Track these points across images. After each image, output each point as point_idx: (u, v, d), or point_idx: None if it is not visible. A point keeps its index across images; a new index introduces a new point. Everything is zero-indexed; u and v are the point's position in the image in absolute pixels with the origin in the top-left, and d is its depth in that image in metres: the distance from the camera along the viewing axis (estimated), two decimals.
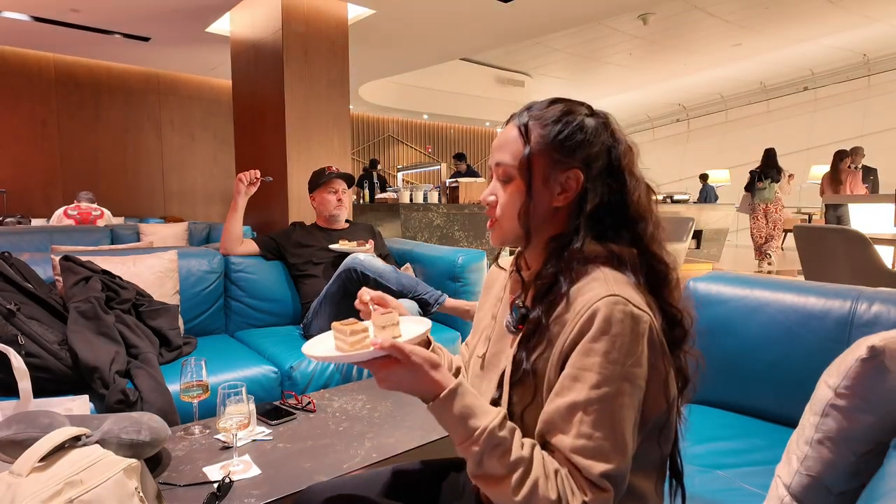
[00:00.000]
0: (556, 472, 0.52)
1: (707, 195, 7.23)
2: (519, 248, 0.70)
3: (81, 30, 4.55)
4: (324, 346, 0.64)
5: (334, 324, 0.62)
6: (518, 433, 0.55)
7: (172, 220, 4.79)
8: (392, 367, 0.54)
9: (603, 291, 0.55)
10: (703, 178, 7.65)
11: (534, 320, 0.59)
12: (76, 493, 0.70)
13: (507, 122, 0.65)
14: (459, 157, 6.33)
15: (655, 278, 0.60)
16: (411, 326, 0.66)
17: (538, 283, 0.61)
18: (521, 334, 0.61)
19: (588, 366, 0.52)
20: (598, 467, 0.51)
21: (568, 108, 0.62)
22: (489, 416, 0.54)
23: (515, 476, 0.51)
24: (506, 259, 0.76)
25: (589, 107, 0.64)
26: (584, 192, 0.60)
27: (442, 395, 0.53)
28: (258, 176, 1.88)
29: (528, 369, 0.58)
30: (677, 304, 0.60)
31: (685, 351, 0.60)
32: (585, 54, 6.93)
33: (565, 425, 0.53)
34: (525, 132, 0.61)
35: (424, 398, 0.55)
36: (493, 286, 0.75)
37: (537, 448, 0.54)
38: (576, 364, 0.53)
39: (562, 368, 0.56)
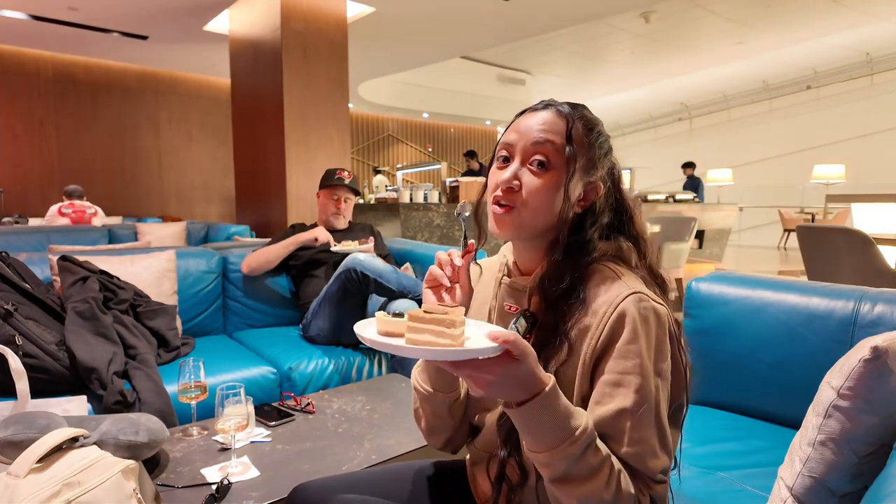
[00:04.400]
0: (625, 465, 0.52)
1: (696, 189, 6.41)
2: (505, 252, 0.68)
3: (79, 28, 4.55)
4: (382, 336, 0.51)
5: (411, 312, 0.48)
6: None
7: (170, 220, 4.79)
8: (510, 365, 0.46)
9: (622, 289, 0.55)
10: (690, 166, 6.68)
11: (548, 327, 0.57)
12: (74, 494, 0.70)
13: (539, 109, 0.60)
14: (471, 154, 6.18)
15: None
16: (473, 329, 0.53)
17: (548, 290, 0.58)
18: (532, 342, 0.58)
19: (629, 369, 0.52)
20: (655, 467, 0.52)
21: (595, 116, 0.62)
22: (582, 413, 0.51)
23: (605, 471, 0.50)
24: (486, 260, 0.72)
25: None
26: (596, 204, 0.61)
27: (546, 390, 0.48)
28: (331, 241, 1.94)
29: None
30: (675, 317, 0.62)
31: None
32: (587, 52, 6.91)
33: (616, 433, 0.52)
34: (571, 124, 0.58)
35: (519, 399, 0.48)
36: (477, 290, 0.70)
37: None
38: (615, 369, 0.53)
39: (592, 373, 0.55)
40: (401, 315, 0.52)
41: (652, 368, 0.53)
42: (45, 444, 0.73)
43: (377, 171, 7.48)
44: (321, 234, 1.93)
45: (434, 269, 0.61)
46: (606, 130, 0.63)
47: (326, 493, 0.69)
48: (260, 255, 1.92)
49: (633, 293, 0.54)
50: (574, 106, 0.61)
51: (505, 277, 0.66)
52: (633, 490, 0.51)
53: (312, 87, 3.25)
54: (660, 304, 0.55)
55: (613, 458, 0.51)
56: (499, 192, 0.58)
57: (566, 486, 0.50)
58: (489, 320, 0.66)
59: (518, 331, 0.60)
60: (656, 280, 0.61)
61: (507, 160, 0.60)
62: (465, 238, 0.60)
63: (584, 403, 0.55)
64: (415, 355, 0.47)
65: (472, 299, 0.68)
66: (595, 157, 0.60)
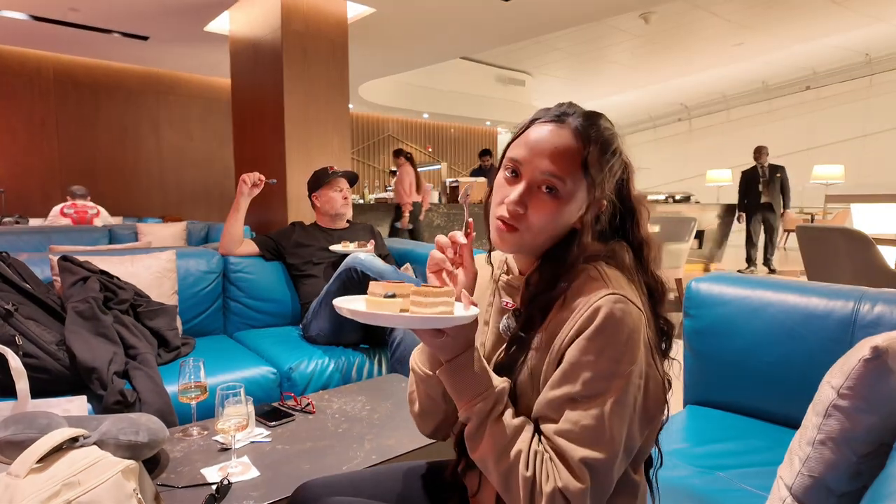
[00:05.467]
0: (537, 453, 0.53)
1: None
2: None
3: (80, 29, 4.55)
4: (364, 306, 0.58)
5: (416, 291, 0.54)
6: (511, 407, 0.57)
7: (171, 220, 4.78)
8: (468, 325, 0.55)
9: (603, 290, 0.55)
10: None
11: (528, 321, 0.59)
12: (74, 494, 0.70)
13: (554, 120, 0.58)
14: (486, 153, 6.04)
15: (653, 296, 0.60)
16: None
17: (535, 286, 0.60)
18: (513, 335, 0.61)
19: (583, 362, 0.52)
20: (579, 452, 0.51)
21: (613, 128, 0.60)
22: (500, 381, 0.57)
23: (502, 444, 0.54)
24: (484, 256, 0.72)
25: None
26: (599, 216, 0.60)
27: (465, 353, 0.56)
28: (262, 178, 1.91)
29: (526, 371, 0.58)
30: (668, 318, 0.62)
31: (670, 359, 0.62)
32: (587, 53, 6.92)
33: (555, 414, 0.54)
34: (587, 151, 0.56)
35: (453, 353, 0.56)
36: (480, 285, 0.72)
37: (529, 425, 0.56)
38: (571, 360, 0.53)
39: (559, 364, 0.56)
40: (392, 296, 0.56)
41: (613, 368, 0.52)
42: (45, 444, 0.73)
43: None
44: (246, 177, 1.87)
45: (435, 252, 0.59)
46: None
47: (328, 492, 0.70)
48: (224, 233, 1.93)
49: (613, 293, 0.54)
50: (591, 122, 0.58)
51: (503, 275, 0.67)
52: (528, 473, 0.51)
53: (313, 88, 3.25)
54: (640, 309, 0.55)
55: (524, 439, 0.54)
56: (504, 213, 0.58)
57: (473, 443, 0.55)
58: (488, 316, 0.68)
59: (509, 327, 0.63)
60: (656, 286, 0.60)
61: (515, 174, 0.58)
62: (466, 220, 0.61)
63: None
64: (372, 321, 0.53)
65: (476, 296, 0.68)
66: (605, 179, 0.58)
